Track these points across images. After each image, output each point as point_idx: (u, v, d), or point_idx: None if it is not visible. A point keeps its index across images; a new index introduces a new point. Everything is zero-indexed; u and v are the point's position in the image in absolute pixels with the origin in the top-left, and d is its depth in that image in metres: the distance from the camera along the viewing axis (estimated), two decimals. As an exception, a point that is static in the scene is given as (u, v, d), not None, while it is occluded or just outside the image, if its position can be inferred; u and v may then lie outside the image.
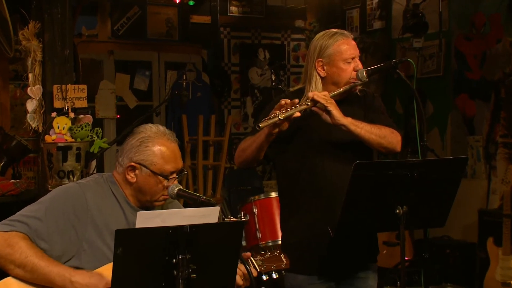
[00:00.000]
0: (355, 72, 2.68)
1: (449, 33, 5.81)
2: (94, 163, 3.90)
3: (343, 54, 2.67)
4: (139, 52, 6.59)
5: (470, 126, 5.72)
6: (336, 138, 2.67)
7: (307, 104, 2.56)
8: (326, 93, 2.60)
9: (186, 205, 2.42)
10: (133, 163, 2.18)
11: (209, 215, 1.86)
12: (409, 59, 2.77)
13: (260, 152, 2.67)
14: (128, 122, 4.98)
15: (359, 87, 2.75)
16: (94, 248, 2.09)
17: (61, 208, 2.11)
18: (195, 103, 6.54)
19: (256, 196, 3.90)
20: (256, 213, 3.83)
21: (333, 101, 2.58)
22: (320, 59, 2.70)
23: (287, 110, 2.51)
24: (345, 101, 2.74)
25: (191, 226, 1.80)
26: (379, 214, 2.42)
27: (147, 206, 2.24)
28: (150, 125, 2.26)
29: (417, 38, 5.71)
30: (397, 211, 2.39)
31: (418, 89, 6.12)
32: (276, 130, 2.56)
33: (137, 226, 1.79)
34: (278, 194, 2.88)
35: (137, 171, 2.18)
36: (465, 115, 5.76)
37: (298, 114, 2.53)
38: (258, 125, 2.48)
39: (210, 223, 1.87)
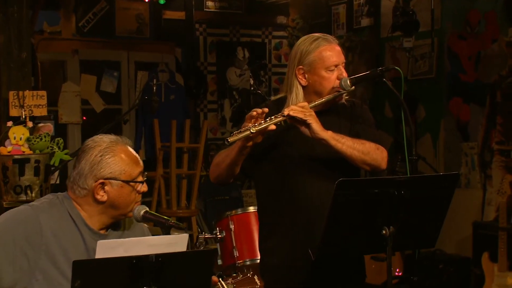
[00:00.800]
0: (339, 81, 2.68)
1: (442, 32, 5.84)
2: (55, 175, 3.85)
3: (325, 62, 2.66)
4: (107, 51, 6.54)
5: (464, 132, 5.75)
6: (318, 153, 2.66)
7: (283, 116, 2.55)
8: (304, 104, 2.60)
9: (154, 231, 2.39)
10: (101, 180, 2.17)
11: (177, 243, 1.83)
12: (396, 67, 2.75)
13: (235, 167, 2.66)
14: (95, 127, 4.94)
15: (345, 97, 2.75)
16: (48, 278, 2.04)
17: (11, 233, 2.06)
18: (168, 106, 6.52)
19: (233, 211, 3.88)
20: (232, 229, 3.81)
21: (313, 113, 2.58)
22: (301, 66, 2.69)
23: (260, 123, 2.50)
24: (330, 111, 2.74)
25: (157, 255, 1.78)
26: (364, 235, 2.40)
27: (115, 221, 2.23)
28: (99, 136, 2.25)
29: (408, 37, 5.75)
30: (384, 232, 2.38)
31: (408, 93, 6.25)
32: (250, 143, 2.56)
33: (97, 256, 1.75)
34: (258, 212, 2.87)
35: (107, 187, 2.17)
36: (459, 120, 5.80)
37: (272, 127, 2.52)
38: (227, 140, 2.47)
39: (178, 252, 1.84)
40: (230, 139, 2.47)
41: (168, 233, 2.01)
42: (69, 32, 6.37)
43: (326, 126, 2.66)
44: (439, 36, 5.85)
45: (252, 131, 2.48)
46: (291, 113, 2.55)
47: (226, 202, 6.48)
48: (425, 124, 6.07)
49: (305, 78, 2.70)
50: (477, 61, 5.63)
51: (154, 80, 5.07)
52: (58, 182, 4.12)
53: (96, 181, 2.17)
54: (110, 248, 1.76)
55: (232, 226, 3.82)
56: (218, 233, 3.84)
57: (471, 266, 5.14)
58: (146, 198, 6.28)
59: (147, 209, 2.18)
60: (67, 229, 2.13)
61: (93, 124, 6.20)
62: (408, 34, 5.74)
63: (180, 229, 2.06)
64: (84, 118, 6.37)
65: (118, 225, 2.28)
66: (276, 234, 2.72)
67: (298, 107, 2.57)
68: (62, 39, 6.31)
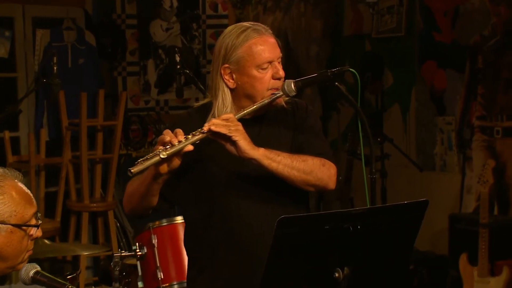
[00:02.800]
0: (276, 81, 2.67)
1: (412, -19, 5.86)
2: None
3: (255, 58, 2.64)
4: (-4, 4, 6.31)
5: (440, 104, 5.79)
6: (250, 169, 2.65)
7: (203, 133, 2.54)
8: (229, 116, 2.57)
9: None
10: None
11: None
12: (351, 69, 2.71)
13: (150, 198, 2.64)
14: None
15: (285, 98, 2.72)
16: None
17: None
18: (76, 73, 6.39)
19: (157, 222, 3.82)
20: (156, 244, 3.76)
21: (240, 127, 2.56)
22: (227, 65, 2.67)
23: (172, 145, 2.48)
24: (267, 118, 2.73)
25: None
26: (313, 280, 2.39)
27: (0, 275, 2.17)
28: None
29: (371, -12, 5.72)
30: (336, 274, 2.37)
31: (373, 53, 6.26)
32: (165, 169, 2.53)
33: None
34: (184, 245, 2.85)
35: None
36: (433, 88, 5.83)
37: (189, 147, 2.50)
38: (130, 171, 2.43)
39: None
40: (133, 170, 2.42)
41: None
42: None
43: (262, 138, 2.67)
44: None
45: (162, 156, 2.45)
46: (213, 128, 2.53)
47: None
48: (393, 93, 6.11)
49: (232, 79, 2.68)
50: (454, 17, 5.64)
51: (54, 58, 4.88)
52: None
53: None
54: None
55: (155, 241, 3.76)
56: (137, 250, 3.78)
57: (447, 267, 5.22)
58: (51, 188, 6.18)
59: (38, 268, 2.11)
60: None
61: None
62: (372, -18, 5.72)
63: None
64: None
65: (3, 277, 2.22)
66: (207, 272, 2.71)
67: (221, 121, 2.55)
68: None
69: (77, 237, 5.90)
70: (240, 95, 2.68)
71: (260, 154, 2.56)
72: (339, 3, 6.48)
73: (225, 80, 2.67)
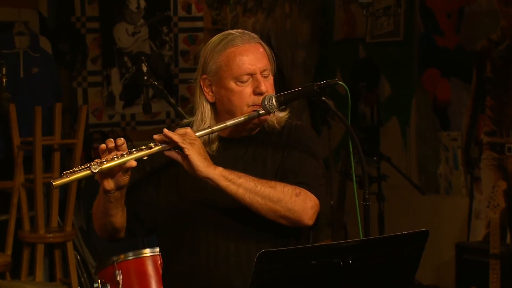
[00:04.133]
0: (258, 96, 2.67)
1: (411, -21, 5.90)
2: None
3: (233, 69, 2.66)
4: None
5: (443, 117, 5.82)
6: (219, 198, 2.64)
7: (153, 145, 2.53)
8: (186, 130, 2.58)
9: None
10: None
11: None
12: (340, 82, 2.71)
13: (109, 218, 2.66)
14: None
15: (281, 116, 2.75)
16: None
17: None
18: (29, 84, 6.40)
19: (121, 256, 3.81)
20: (120, 282, 3.75)
21: (197, 141, 2.56)
22: (205, 75, 2.71)
23: (113, 158, 2.47)
24: (255, 139, 2.75)
25: None
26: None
27: None
28: None
29: (365, -13, 5.76)
30: (326, 315, 2.37)
31: (368, 60, 6.28)
32: (111, 185, 2.53)
33: None
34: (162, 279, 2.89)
35: None
36: (435, 100, 5.86)
37: (131, 163, 2.48)
38: (52, 183, 2.44)
39: None
40: (56, 182, 2.43)
41: None
42: None
43: (245, 160, 2.69)
44: None
45: (94, 170, 2.43)
46: (165, 131, 2.52)
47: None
48: (390, 105, 6.13)
49: (212, 92, 2.71)
50: (459, 20, 5.68)
51: (3, 68, 4.85)
52: None
53: None
54: None
55: (119, 278, 3.74)
56: (99, 287, 3.77)
57: (454, 302, 5.24)
58: (1, 217, 6.14)
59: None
60: None
61: None
62: (365, -18, 5.76)
63: None
64: None
65: None
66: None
67: (179, 131, 2.56)
68: None
69: (31, 272, 5.85)
70: (221, 111, 2.70)
71: (216, 173, 2.54)
72: (329, 3, 6.51)
73: (205, 93, 2.71)
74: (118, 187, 2.54)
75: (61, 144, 6.04)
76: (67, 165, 6.30)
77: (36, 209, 5.88)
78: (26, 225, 5.95)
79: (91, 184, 6.63)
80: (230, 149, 2.71)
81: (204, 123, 2.69)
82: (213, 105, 2.71)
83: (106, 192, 2.55)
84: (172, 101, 4.18)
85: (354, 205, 2.75)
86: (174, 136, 2.52)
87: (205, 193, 2.66)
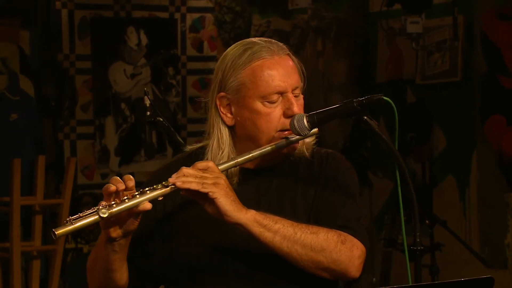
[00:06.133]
0: (289, 120, 2.67)
1: (471, 7, 5.89)
2: None
3: (260, 87, 2.66)
4: None
5: (511, 175, 5.80)
6: (245, 246, 2.65)
7: (165, 186, 2.52)
8: (208, 164, 2.57)
9: None
10: None
11: None
12: (384, 97, 2.71)
13: (113, 273, 2.64)
14: None
15: (311, 144, 2.76)
16: None
17: None
18: (6, 133, 6.47)
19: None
20: None
21: (221, 180, 2.54)
22: (223, 93, 2.70)
23: (123, 200, 2.47)
24: (280, 170, 2.74)
25: None
26: None
27: None
28: None
29: (414, 16, 5.75)
30: None
31: (419, 104, 6.27)
32: (118, 232, 2.53)
33: None
34: None
35: None
36: (501, 154, 5.86)
37: (146, 206, 2.48)
38: (53, 233, 2.42)
39: None
40: (58, 231, 2.42)
41: None
42: None
43: (270, 198, 2.69)
44: (466, 13, 5.90)
45: (102, 215, 2.43)
46: (178, 184, 2.50)
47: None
48: (445, 160, 6.13)
49: (230, 113, 2.71)
50: (529, 55, 5.71)
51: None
52: None
53: None
54: None
55: None
56: None
57: None
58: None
59: None
60: None
61: None
62: (415, 10, 5.75)
63: None
64: None
65: None
66: None
67: (195, 171, 2.53)
68: None
69: None
70: (241, 136, 2.71)
71: (249, 218, 2.54)
72: (370, 38, 6.57)
73: (221, 114, 2.71)
74: (126, 234, 2.55)
75: (43, 206, 6.09)
76: (49, 233, 6.29)
77: (12, 283, 5.88)
78: (0, 303, 5.96)
79: (78, 258, 6.64)
80: (250, 181, 2.71)
81: (222, 152, 2.69)
82: (230, 128, 2.71)
83: (111, 240, 2.55)
84: (181, 140, 4.17)
85: (402, 281, 2.71)
86: (192, 185, 2.50)
87: (226, 238, 2.66)
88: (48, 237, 6.25)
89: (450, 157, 6.11)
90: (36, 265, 6.04)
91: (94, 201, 6.94)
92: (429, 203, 6.17)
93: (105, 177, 7.05)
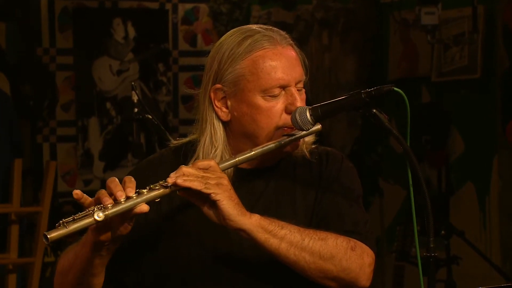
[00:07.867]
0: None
1: (491, -3, 5.93)
2: None
3: (261, 79, 2.68)
4: None
5: (537, 183, 5.82)
6: (247, 252, 2.68)
7: (164, 187, 2.53)
8: (210, 163, 2.58)
9: None
10: None
11: None
12: (395, 88, 2.73)
13: (91, 278, 2.65)
14: None
15: (309, 143, 2.77)
16: None
17: None
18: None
19: None
20: None
21: (223, 180, 2.55)
22: (219, 85, 2.72)
23: (115, 202, 2.47)
24: (278, 170, 2.76)
25: None
26: None
27: None
28: None
29: (429, 6, 5.80)
30: None
31: (435, 105, 6.27)
32: (109, 236, 2.54)
33: None
34: None
35: None
36: (525, 159, 5.87)
37: (143, 208, 2.49)
38: (46, 236, 2.43)
39: None
40: (51, 235, 2.42)
41: None
42: None
43: (268, 199, 2.71)
44: (487, 4, 5.94)
45: (98, 218, 2.44)
46: (180, 182, 2.51)
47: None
48: (464, 166, 6.20)
49: (226, 107, 2.72)
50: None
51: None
52: None
53: None
54: None
55: None
56: None
57: None
58: None
59: None
60: None
61: None
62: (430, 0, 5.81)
63: None
64: None
65: None
66: None
67: (195, 170, 2.55)
68: None
69: None
70: (236, 133, 2.71)
71: (253, 223, 2.55)
72: (381, 31, 6.65)
73: (216, 108, 2.71)
74: (117, 238, 2.55)
75: (20, 214, 6.09)
76: (27, 245, 6.34)
77: (-15, 301, 5.93)
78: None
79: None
80: (245, 181, 2.71)
81: (216, 150, 2.70)
82: (225, 124, 2.72)
83: (101, 244, 2.54)
84: (173, 140, 4.22)
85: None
86: (194, 184, 2.50)
87: (222, 243, 2.68)
88: (25, 249, 6.23)
89: (468, 163, 6.16)
90: (12, 279, 6.04)
91: (75, 211, 6.94)
92: (446, 212, 6.17)
93: (89, 184, 7.04)
